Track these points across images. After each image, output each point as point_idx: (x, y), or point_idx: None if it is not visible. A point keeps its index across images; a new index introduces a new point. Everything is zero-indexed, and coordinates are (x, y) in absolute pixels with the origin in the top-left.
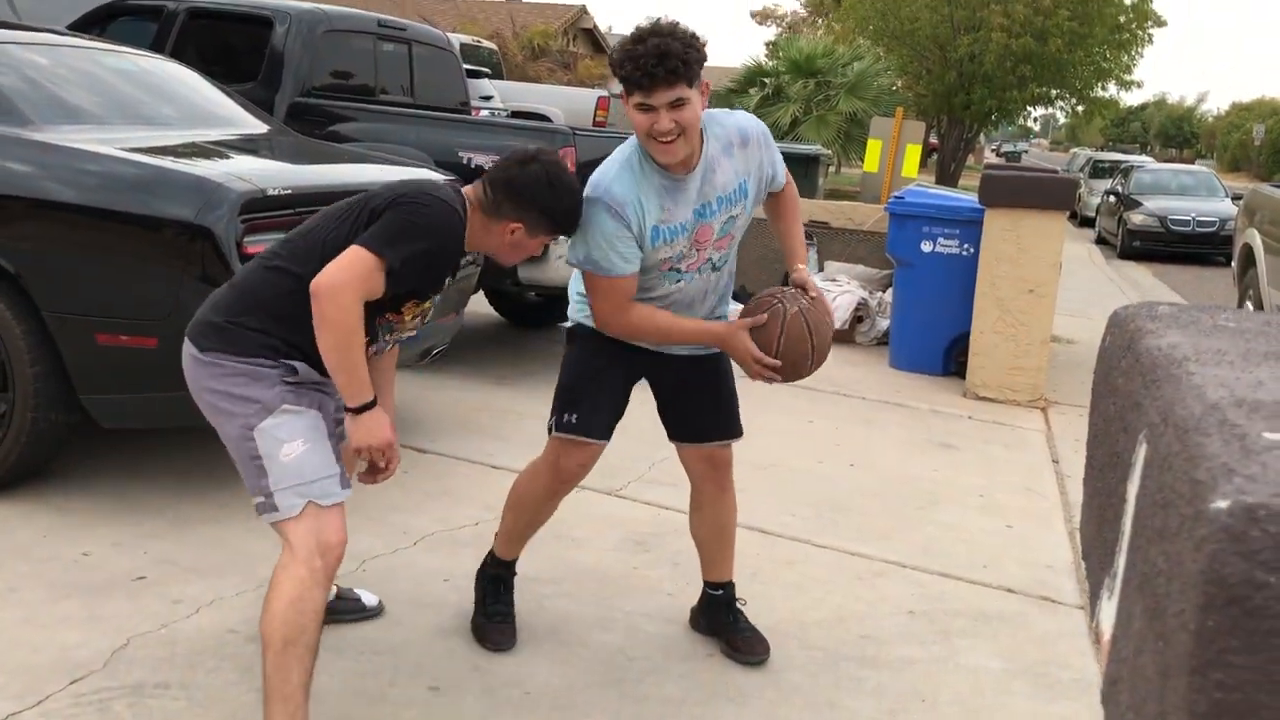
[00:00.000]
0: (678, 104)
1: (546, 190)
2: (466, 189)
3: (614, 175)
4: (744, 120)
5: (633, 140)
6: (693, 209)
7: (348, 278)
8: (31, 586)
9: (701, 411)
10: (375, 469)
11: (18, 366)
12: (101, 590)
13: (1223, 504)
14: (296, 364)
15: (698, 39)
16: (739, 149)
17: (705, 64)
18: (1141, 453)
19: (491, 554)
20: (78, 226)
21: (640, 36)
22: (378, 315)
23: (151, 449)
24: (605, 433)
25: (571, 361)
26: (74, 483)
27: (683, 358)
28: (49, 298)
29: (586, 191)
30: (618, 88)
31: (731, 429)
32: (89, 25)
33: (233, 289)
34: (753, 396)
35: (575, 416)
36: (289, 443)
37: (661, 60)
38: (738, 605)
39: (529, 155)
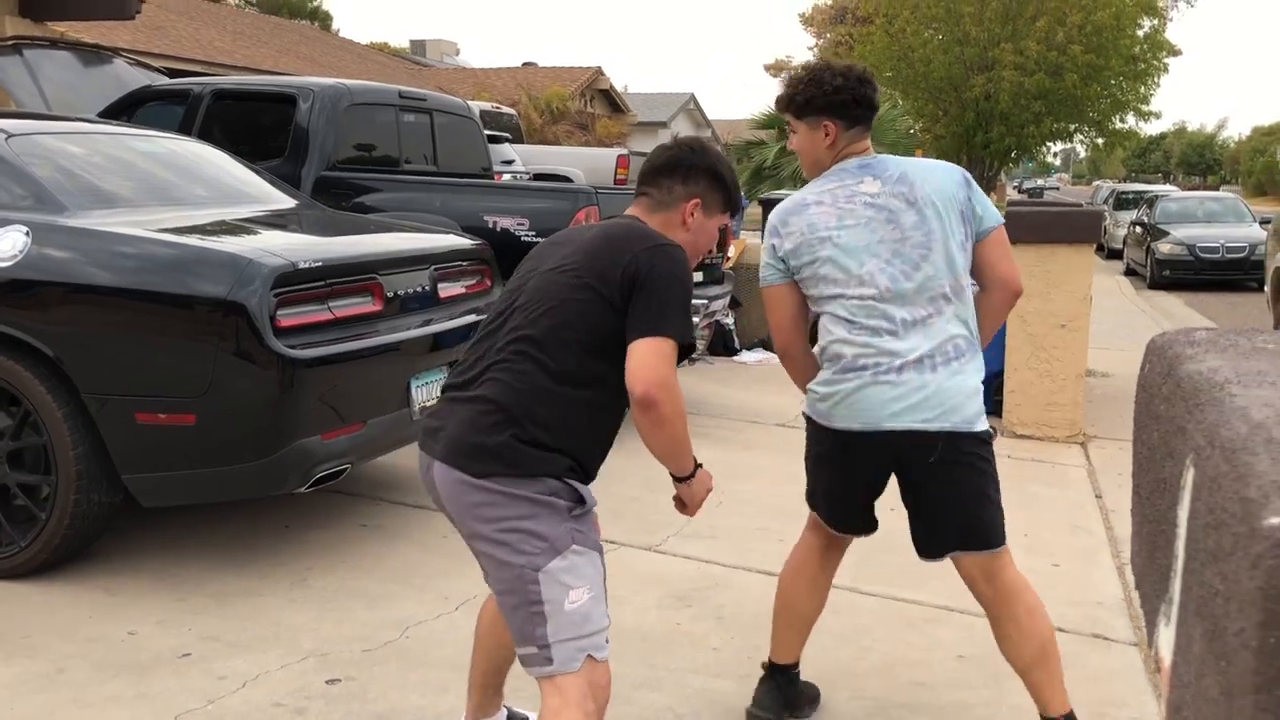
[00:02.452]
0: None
1: (703, 154)
2: (633, 211)
3: None
4: None
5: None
6: None
7: (666, 373)
8: (79, 667)
9: None
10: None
11: (59, 449)
12: (148, 669)
13: (1276, 520)
14: (580, 487)
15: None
16: None
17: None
18: (1189, 476)
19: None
20: (113, 308)
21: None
22: None
23: (190, 524)
24: None
25: None
26: (117, 562)
27: None
28: (88, 379)
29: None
30: (637, 146)
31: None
32: (118, 112)
33: (492, 403)
34: (792, 444)
35: None
36: (575, 589)
37: None
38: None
39: (671, 144)
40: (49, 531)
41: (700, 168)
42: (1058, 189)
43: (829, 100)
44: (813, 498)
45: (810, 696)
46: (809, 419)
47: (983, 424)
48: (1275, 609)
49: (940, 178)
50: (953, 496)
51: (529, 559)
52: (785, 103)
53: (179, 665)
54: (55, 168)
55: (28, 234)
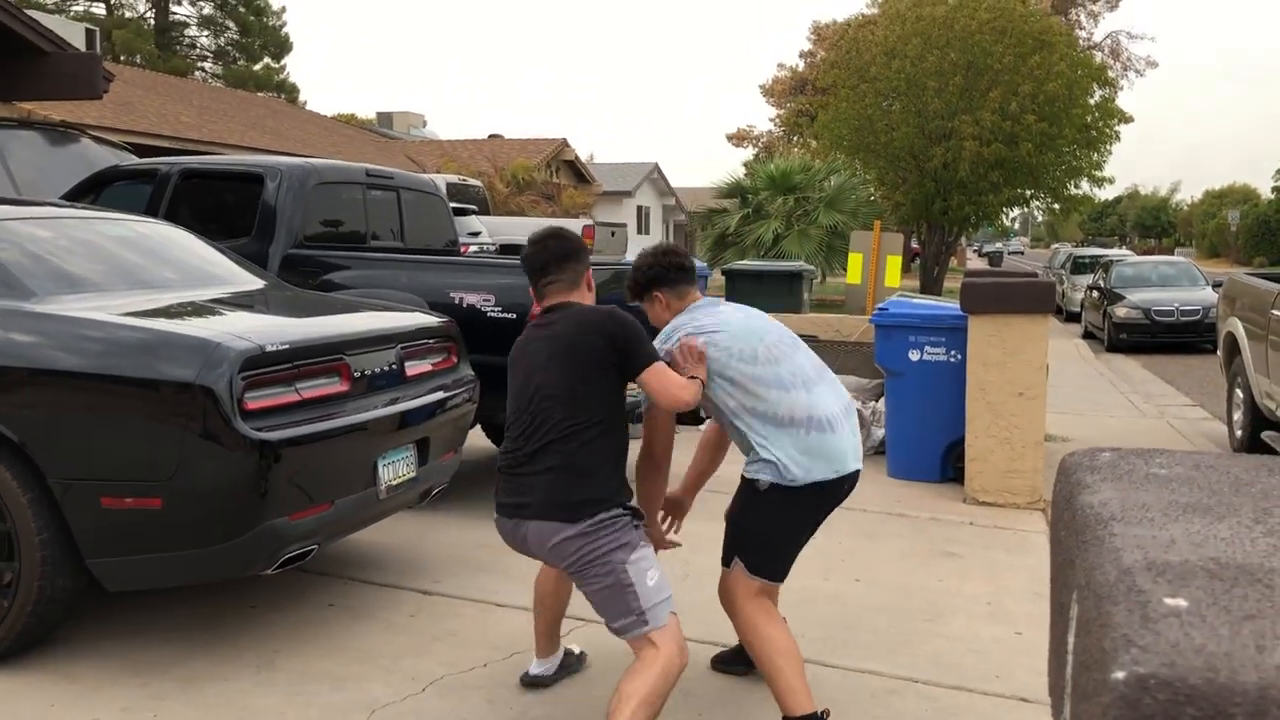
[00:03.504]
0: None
1: (574, 236)
2: (559, 296)
3: None
4: None
5: None
6: None
7: (675, 384)
8: None
9: None
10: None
11: (24, 534)
12: None
13: (1120, 674)
14: (632, 504)
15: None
16: None
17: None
18: (1075, 611)
19: None
20: (80, 393)
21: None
22: None
23: (154, 606)
24: None
25: None
26: (79, 647)
27: None
28: (53, 464)
29: None
30: (603, 215)
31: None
32: (85, 192)
33: (571, 470)
34: None
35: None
36: (650, 570)
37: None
38: None
39: (547, 238)
40: (11, 618)
41: (579, 247)
42: (1021, 253)
43: (645, 280)
44: (777, 565)
45: None
46: (780, 489)
47: None
48: None
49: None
50: None
51: (618, 560)
52: (628, 296)
53: None
54: (23, 253)
55: None
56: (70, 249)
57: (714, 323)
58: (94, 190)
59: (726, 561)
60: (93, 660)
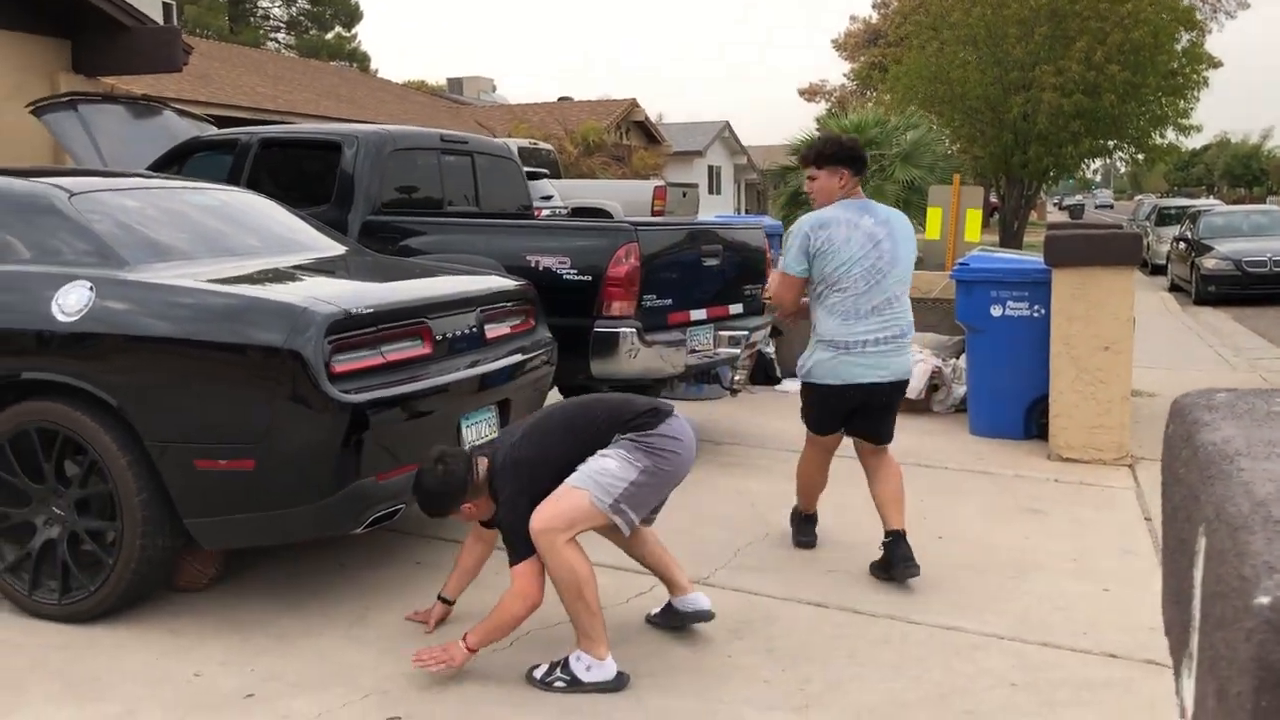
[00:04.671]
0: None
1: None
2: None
3: None
4: None
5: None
6: None
7: None
8: (149, 709)
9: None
10: None
11: (125, 495)
12: (215, 709)
13: (1265, 599)
14: None
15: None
16: None
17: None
18: (1202, 544)
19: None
20: (173, 358)
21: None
22: None
23: (248, 564)
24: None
25: None
26: (179, 604)
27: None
28: (149, 427)
29: None
30: (673, 176)
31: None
32: (169, 163)
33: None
34: (837, 473)
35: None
36: None
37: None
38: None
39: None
40: (116, 575)
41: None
42: (1111, 206)
43: (847, 154)
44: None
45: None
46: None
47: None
48: (1266, 676)
49: (904, 224)
50: None
51: None
52: (812, 157)
53: (245, 706)
54: (115, 223)
55: (91, 289)
56: (158, 218)
57: (826, 237)
58: (178, 161)
59: (890, 437)
60: (192, 616)
